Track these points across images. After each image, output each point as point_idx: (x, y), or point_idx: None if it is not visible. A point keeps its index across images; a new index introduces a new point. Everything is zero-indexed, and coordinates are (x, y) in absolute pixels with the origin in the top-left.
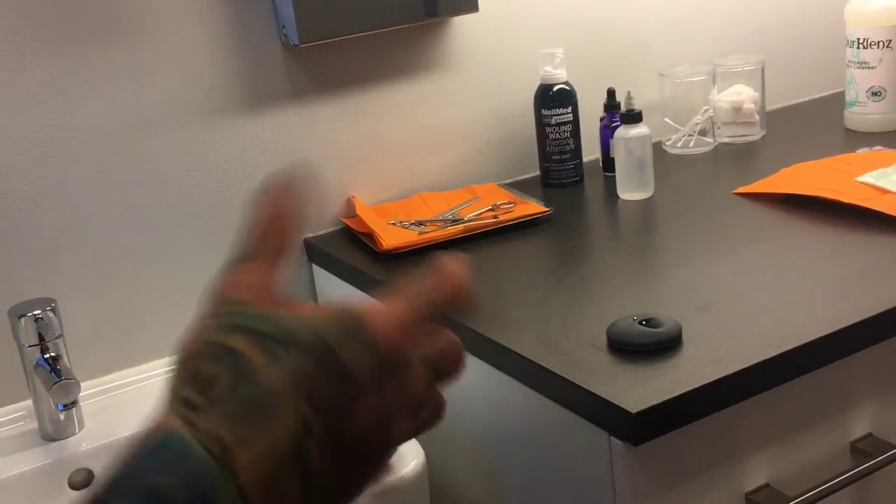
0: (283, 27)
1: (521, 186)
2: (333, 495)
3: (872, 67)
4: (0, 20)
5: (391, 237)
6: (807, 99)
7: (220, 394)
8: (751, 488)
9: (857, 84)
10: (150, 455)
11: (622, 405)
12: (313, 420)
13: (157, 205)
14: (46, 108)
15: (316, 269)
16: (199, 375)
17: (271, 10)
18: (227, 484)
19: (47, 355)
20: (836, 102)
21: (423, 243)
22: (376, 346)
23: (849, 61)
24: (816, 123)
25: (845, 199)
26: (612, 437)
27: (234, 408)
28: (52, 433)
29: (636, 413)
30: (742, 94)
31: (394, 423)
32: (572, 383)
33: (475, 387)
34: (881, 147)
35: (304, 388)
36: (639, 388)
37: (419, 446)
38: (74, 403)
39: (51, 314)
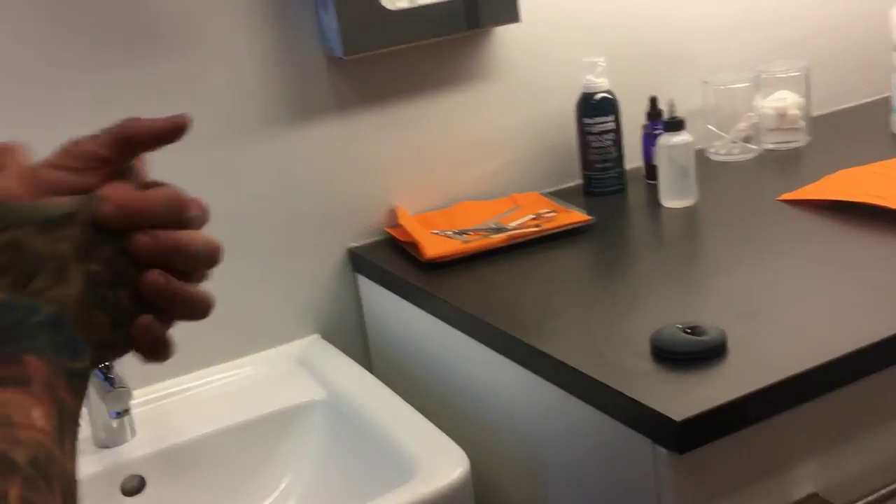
0: (328, 40)
1: (563, 195)
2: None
3: None
4: (51, 35)
5: (434, 246)
6: (852, 104)
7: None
8: (798, 497)
9: None
10: None
11: (666, 413)
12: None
13: None
14: (95, 122)
15: (360, 278)
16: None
17: (316, 24)
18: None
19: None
20: (882, 108)
21: (466, 252)
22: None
23: (895, 66)
24: (862, 129)
25: (893, 205)
26: (657, 446)
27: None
28: (105, 440)
29: (680, 421)
30: (786, 100)
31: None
32: (616, 391)
33: (519, 395)
34: None
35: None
36: (683, 397)
37: (463, 453)
38: (127, 411)
39: None
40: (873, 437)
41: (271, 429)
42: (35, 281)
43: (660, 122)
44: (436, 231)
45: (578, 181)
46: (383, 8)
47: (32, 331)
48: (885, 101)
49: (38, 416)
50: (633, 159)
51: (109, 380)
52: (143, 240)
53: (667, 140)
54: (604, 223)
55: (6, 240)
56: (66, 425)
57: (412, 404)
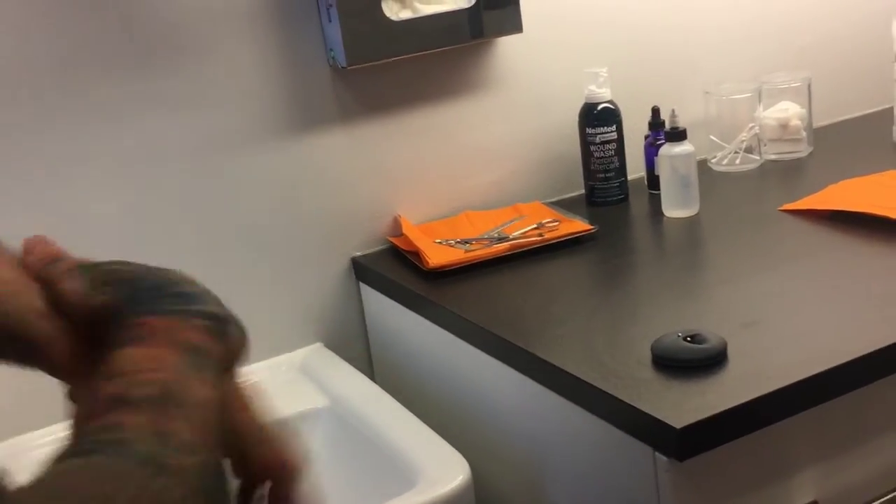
0: (331, 50)
1: (566, 205)
2: None
3: None
4: (58, 48)
5: (437, 255)
6: (854, 115)
7: None
8: None
9: None
10: None
11: (666, 421)
12: None
13: (209, 227)
14: (102, 132)
15: (363, 287)
16: None
17: (319, 34)
18: None
19: None
20: (885, 119)
21: (469, 261)
22: None
23: None
24: (864, 140)
25: (894, 216)
26: (657, 453)
27: None
28: None
29: (680, 429)
30: (788, 110)
31: None
32: (617, 399)
33: (520, 403)
34: None
35: None
36: (683, 404)
37: (465, 461)
38: None
39: None
40: (873, 446)
41: None
42: None
43: (662, 132)
44: (439, 240)
45: (581, 191)
46: (387, 18)
47: (147, 293)
48: (887, 112)
49: (164, 356)
50: (635, 169)
51: None
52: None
53: (669, 150)
54: (606, 233)
55: None
56: (200, 358)
57: (414, 412)
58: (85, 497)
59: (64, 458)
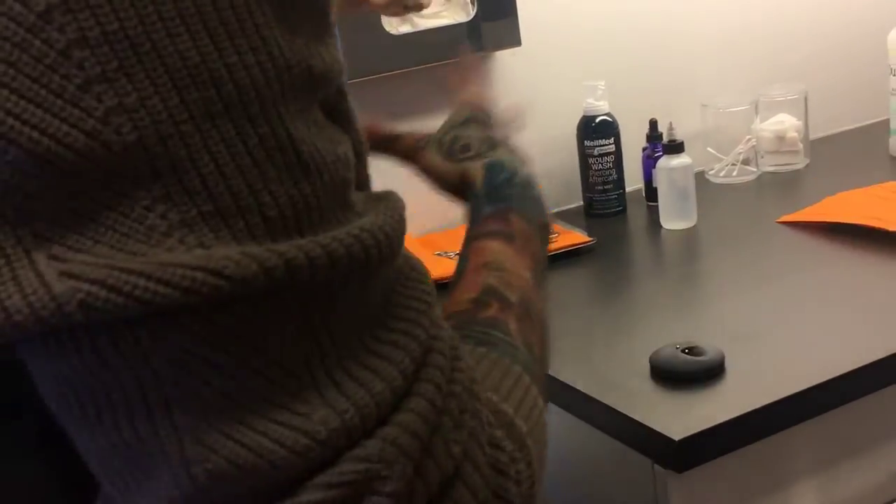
0: None
1: (564, 217)
2: None
3: None
4: None
5: (437, 268)
6: (850, 127)
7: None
8: None
9: None
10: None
11: (665, 433)
12: None
13: None
14: None
15: None
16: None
17: None
18: None
19: None
20: (881, 130)
21: None
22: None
23: (892, 89)
24: (861, 152)
25: (891, 228)
26: (656, 465)
27: None
28: None
29: (679, 440)
30: (785, 123)
31: None
32: (616, 411)
33: None
34: None
35: None
36: (682, 416)
37: None
38: None
39: None
40: (871, 457)
41: None
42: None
43: (660, 144)
44: (439, 253)
45: (579, 203)
46: (386, 32)
47: (512, 190)
48: (883, 124)
49: (522, 265)
50: (633, 181)
51: None
52: None
53: (666, 162)
54: (604, 244)
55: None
56: (540, 273)
57: None
58: (500, 390)
59: (466, 338)
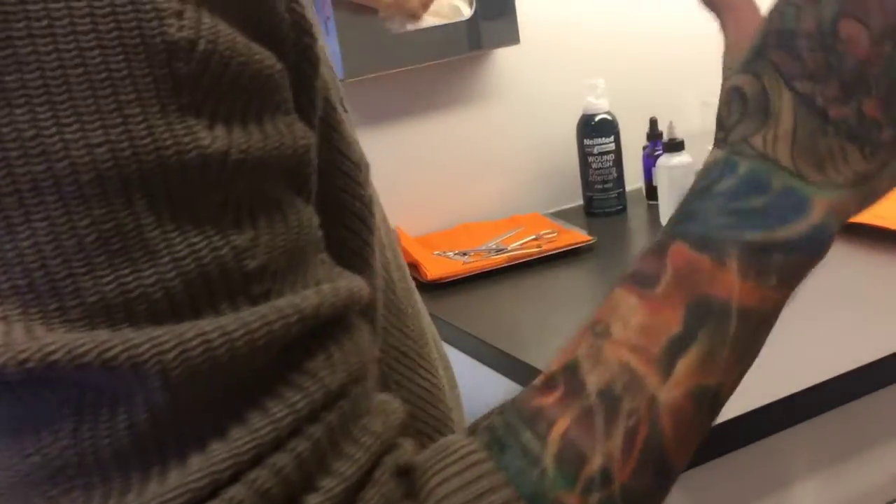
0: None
1: (564, 216)
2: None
3: None
4: None
5: (436, 268)
6: None
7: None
8: None
9: None
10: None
11: None
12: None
13: None
14: None
15: None
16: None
17: None
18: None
19: None
20: None
21: (467, 273)
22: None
23: None
24: None
25: (890, 225)
26: None
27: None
28: None
29: None
30: None
31: None
32: None
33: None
34: None
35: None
36: None
37: None
38: None
39: None
40: (867, 458)
41: None
42: (737, 130)
43: (660, 143)
44: (437, 252)
45: (579, 202)
46: (384, 30)
47: (714, 199)
48: None
49: (647, 325)
50: (633, 180)
51: None
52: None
53: (667, 161)
54: (604, 244)
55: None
56: (706, 327)
57: None
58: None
59: (478, 432)
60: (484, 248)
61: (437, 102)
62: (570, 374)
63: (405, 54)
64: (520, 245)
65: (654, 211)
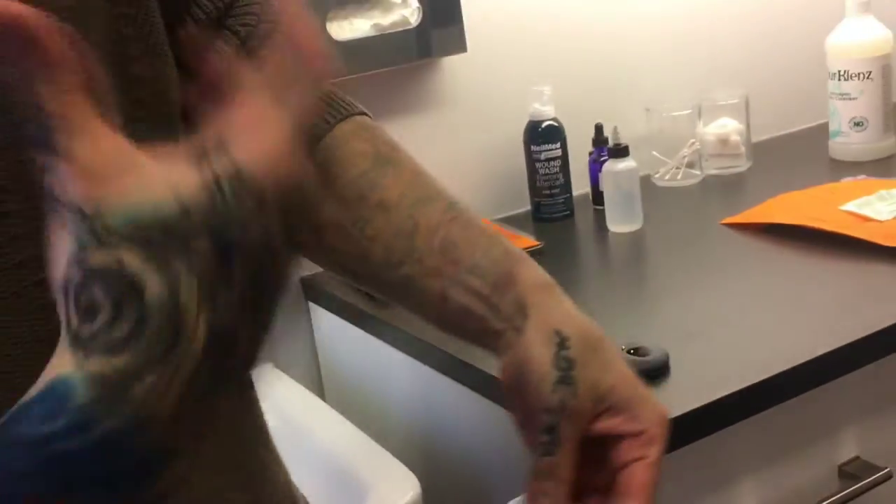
0: None
1: (512, 221)
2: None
3: (854, 99)
4: None
5: None
6: (791, 130)
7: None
8: None
9: (840, 115)
10: (36, 402)
11: None
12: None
13: None
14: None
15: (313, 307)
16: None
17: None
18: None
19: None
20: (821, 133)
21: None
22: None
23: (831, 93)
24: (802, 154)
25: (829, 228)
26: None
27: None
28: None
29: None
30: (728, 126)
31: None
32: None
33: (467, 416)
34: (865, 176)
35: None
36: None
37: (415, 478)
38: None
39: None
40: (811, 453)
41: None
42: None
43: (605, 148)
44: None
45: (527, 207)
46: (332, 39)
47: None
48: (823, 127)
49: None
50: (580, 185)
51: None
52: None
53: (612, 166)
54: (552, 248)
55: None
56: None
57: (366, 432)
58: None
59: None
60: None
61: (386, 110)
62: None
63: (354, 62)
64: None
65: (600, 215)
